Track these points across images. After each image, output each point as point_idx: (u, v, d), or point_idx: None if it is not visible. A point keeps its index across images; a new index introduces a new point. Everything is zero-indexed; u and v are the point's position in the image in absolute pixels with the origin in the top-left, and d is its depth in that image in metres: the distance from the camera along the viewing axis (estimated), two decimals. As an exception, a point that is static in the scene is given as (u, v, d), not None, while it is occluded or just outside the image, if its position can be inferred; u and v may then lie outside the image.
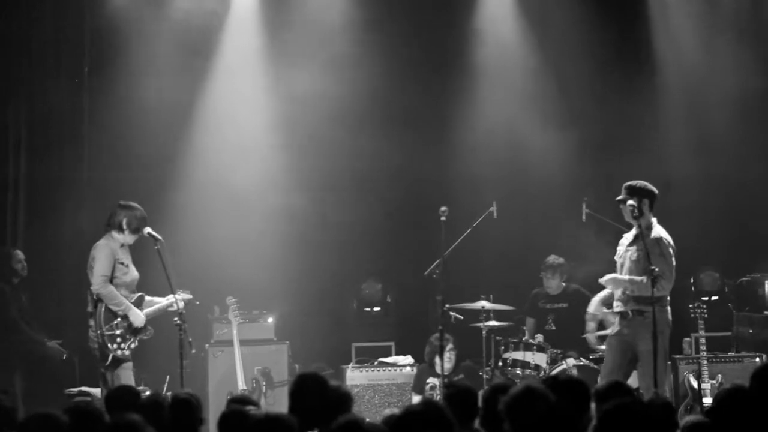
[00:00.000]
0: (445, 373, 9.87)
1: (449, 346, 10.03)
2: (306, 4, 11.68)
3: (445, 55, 12.05)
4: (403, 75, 11.79)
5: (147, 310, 8.87)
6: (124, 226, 8.86)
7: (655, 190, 8.87)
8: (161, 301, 8.95)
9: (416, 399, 9.97)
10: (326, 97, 11.40)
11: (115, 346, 8.65)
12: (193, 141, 11.52)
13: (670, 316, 8.81)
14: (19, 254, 10.31)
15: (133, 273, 8.93)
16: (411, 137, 11.83)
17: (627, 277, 8.76)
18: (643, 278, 8.57)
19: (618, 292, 8.88)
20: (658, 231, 8.81)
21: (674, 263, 8.76)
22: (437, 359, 9.93)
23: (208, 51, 11.54)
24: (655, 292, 8.46)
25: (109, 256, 8.74)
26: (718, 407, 5.30)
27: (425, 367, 10.42)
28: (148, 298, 8.96)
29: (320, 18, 11.56)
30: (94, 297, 8.70)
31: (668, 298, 8.82)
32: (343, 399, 5.71)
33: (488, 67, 12.04)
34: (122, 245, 8.88)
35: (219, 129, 11.51)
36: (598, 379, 9.06)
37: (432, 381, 10.16)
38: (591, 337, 9.28)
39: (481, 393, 5.57)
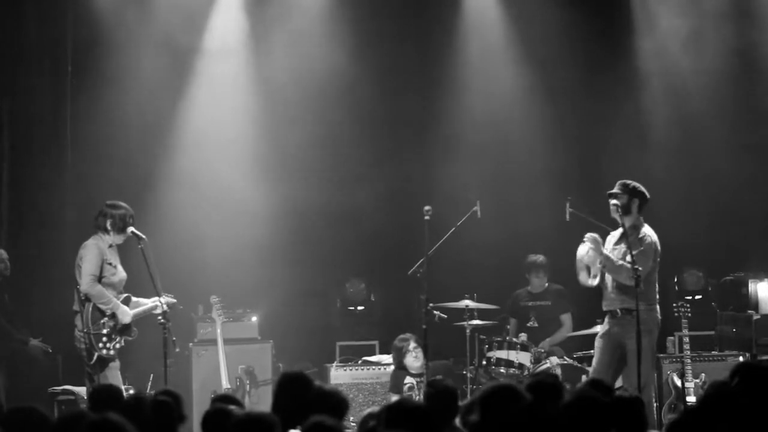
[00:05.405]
0: (418, 372, 9.85)
1: (412, 344, 9.99)
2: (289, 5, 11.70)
3: (431, 54, 12.05)
4: (388, 74, 11.79)
5: (133, 311, 8.85)
6: (109, 227, 8.80)
7: (647, 194, 8.94)
8: (146, 303, 8.94)
9: (395, 399, 9.95)
10: (309, 96, 11.44)
11: (101, 345, 8.60)
12: (176, 140, 11.50)
13: (659, 315, 8.87)
14: (3, 253, 10.28)
15: (121, 274, 8.88)
16: (395, 136, 11.86)
17: (608, 252, 8.79)
18: (622, 262, 8.61)
19: (607, 291, 8.92)
20: (646, 231, 8.89)
21: (653, 264, 8.82)
22: (406, 360, 9.95)
23: (192, 50, 11.52)
24: (628, 284, 8.58)
25: (97, 256, 8.69)
26: (704, 403, 5.30)
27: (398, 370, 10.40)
28: (134, 299, 8.92)
29: (304, 16, 11.57)
30: (81, 296, 8.65)
31: (657, 297, 8.87)
32: (326, 398, 5.70)
33: (473, 66, 12.05)
34: (110, 245, 8.83)
35: (202, 128, 11.48)
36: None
37: (410, 381, 10.11)
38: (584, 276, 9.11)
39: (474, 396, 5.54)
